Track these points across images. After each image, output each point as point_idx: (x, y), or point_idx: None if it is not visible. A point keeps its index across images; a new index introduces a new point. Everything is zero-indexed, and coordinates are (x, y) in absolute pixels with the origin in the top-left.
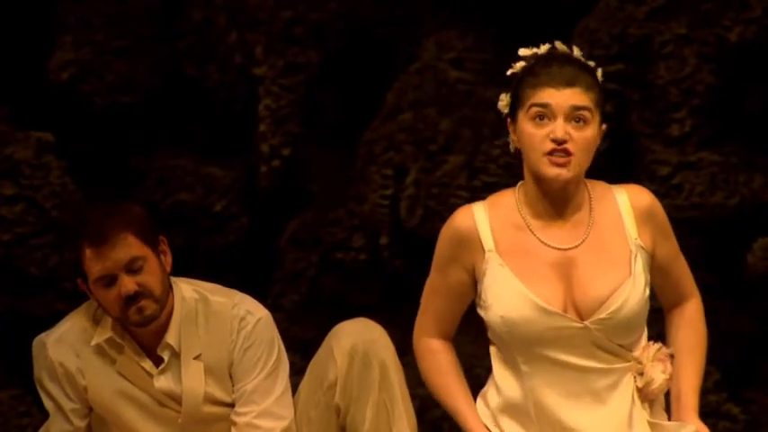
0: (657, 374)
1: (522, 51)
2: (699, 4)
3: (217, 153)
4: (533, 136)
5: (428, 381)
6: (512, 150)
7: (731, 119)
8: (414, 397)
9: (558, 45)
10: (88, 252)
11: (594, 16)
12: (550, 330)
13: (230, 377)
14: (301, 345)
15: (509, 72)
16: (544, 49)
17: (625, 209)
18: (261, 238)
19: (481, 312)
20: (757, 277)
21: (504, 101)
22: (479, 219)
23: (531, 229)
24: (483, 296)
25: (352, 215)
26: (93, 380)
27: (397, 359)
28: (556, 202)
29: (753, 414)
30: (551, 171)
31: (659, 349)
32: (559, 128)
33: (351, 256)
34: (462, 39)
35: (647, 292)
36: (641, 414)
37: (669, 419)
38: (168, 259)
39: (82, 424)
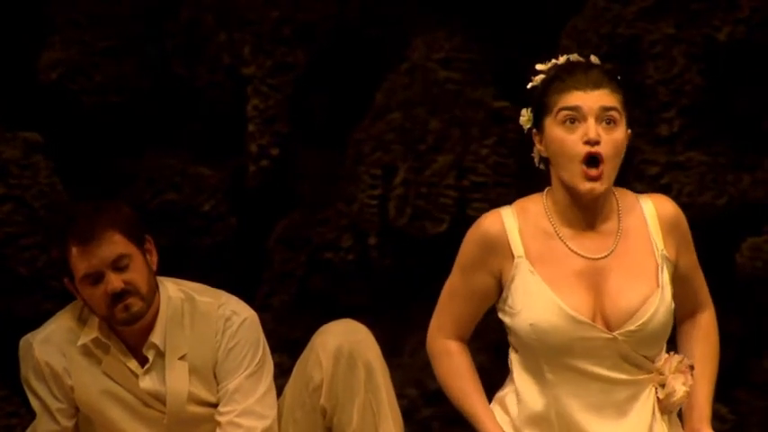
0: (679, 386)
1: (540, 66)
2: (687, 3)
3: (205, 153)
4: (565, 141)
5: (445, 383)
6: (537, 164)
7: (720, 119)
8: (402, 397)
9: (574, 57)
10: (74, 250)
11: (583, 16)
12: (579, 340)
13: (215, 377)
14: (290, 345)
15: (529, 86)
16: (562, 60)
17: (651, 219)
18: (249, 239)
19: (506, 318)
20: (746, 277)
21: (525, 116)
22: (509, 224)
23: (560, 237)
24: (510, 302)
25: (340, 215)
26: (79, 380)
27: (382, 360)
28: (586, 212)
29: (742, 414)
30: (585, 186)
31: (681, 361)
32: (592, 128)
33: (339, 256)
34: (451, 39)
35: (673, 304)
36: (661, 427)
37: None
38: (154, 258)
39: (69, 424)
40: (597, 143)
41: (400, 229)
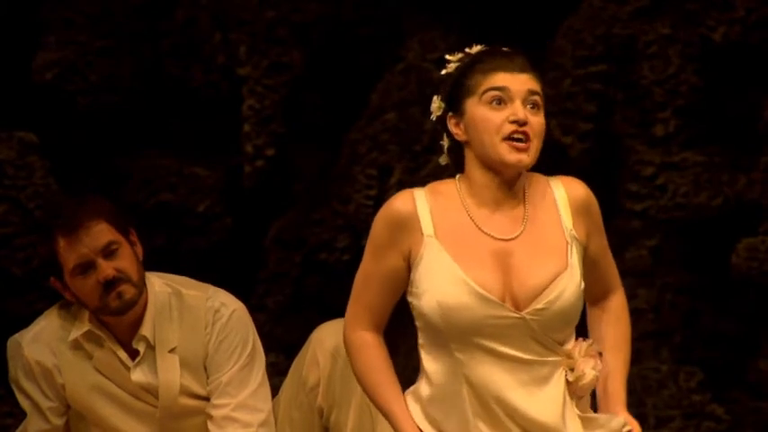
0: (588, 370)
1: (450, 56)
2: (682, 4)
3: (201, 153)
4: (490, 120)
5: (361, 377)
6: (445, 149)
7: (715, 119)
8: None
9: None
10: (62, 242)
11: (578, 17)
12: (487, 319)
13: (205, 370)
14: (285, 345)
15: (443, 72)
16: (476, 48)
17: (561, 200)
18: (245, 239)
19: (413, 300)
20: (741, 278)
21: (436, 103)
22: (420, 203)
23: (471, 218)
24: (417, 282)
25: (336, 215)
26: (70, 377)
27: None
28: (500, 192)
29: (736, 414)
30: (512, 157)
31: (590, 345)
32: (519, 109)
33: (335, 256)
34: (446, 39)
35: (583, 284)
36: (572, 407)
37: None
38: (139, 250)
39: (60, 422)
40: (525, 123)
41: None
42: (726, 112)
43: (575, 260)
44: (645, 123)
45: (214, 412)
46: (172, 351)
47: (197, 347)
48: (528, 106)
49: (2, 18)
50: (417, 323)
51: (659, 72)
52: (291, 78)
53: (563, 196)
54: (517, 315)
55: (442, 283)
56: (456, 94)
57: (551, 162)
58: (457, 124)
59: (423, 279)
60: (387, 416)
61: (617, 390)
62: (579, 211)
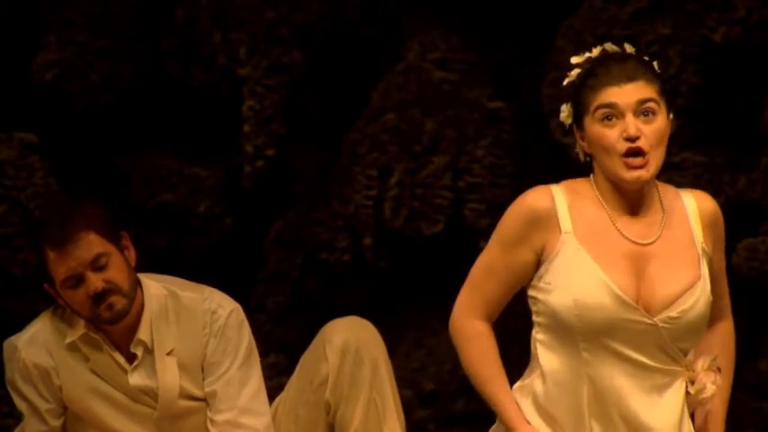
0: (709, 384)
1: (574, 59)
2: (683, 4)
3: (201, 153)
4: (604, 137)
5: (471, 367)
6: (582, 159)
7: (716, 119)
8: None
9: (609, 46)
10: (51, 255)
11: (579, 17)
12: (622, 322)
13: (202, 371)
14: (285, 345)
15: (565, 82)
16: (596, 51)
17: (692, 212)
18: (245, 239)
19: (539, 295)
20: (742, 278)
21: (565, 111)
22: (558, 199)
23: (611, 219)
24: (547, 278)
25: (336, 216)
26: (67, 378)
27: (387, 358)
28: (631, 200)
29: (737, 415)
30: (630, 175)
31: (713, 359)
32: (631, 125)
33: (335, 256)
34: (447, 39)
35: (711, 297)
36: (689, 420)
37: None
38: (132, 254)
39: (57, 423)
40: (637, 138)
41: (396, 230)
42: (726, 113)
43: (706, 272)
44: None
45: (217, 417)
46: (170, 353)
47: (194, 349)
48: (641, 116)
49: (2, 18)
50: (539, 318)
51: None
52: (291, 79)
53: (694, 209)
54: (650, 321)
55: (580, 281)
56: (576, 111)
57: (552, 163)
58: (582, 138)
59: (557, 275)
60: (497, 408)
61: (717, 414)
62: (709, 225)
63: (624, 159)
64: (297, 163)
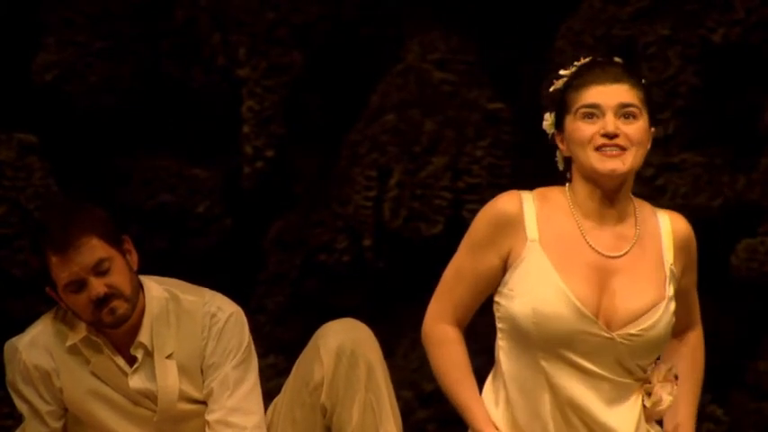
0: (665, 395)
1: (563, 71)
2: (682, 5)
3: (200, 154)
4: (581, 131)
5: (439, 371)
6: (560, 167)
7: (715, 120)
8: (397, 399)
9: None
10: (54, 259)
11: (578, 18)
12: (578, 333)
13: (202, 374)
14: (285, 346)
15: (551, 89)
16: (584, 60)
17: (666, 233)
18: (244, 240)
19: (502, 301)
20: (741, 279)
21: (548, 120)
22: (527, 206)
23: (579, 228)
24: (511, 284)
25: (335, 217)
26: (67, 381)
27: (383, 360)
28: (604, 206)
29: (736, 416)
30: (605, 165)
31: (669, 370)
32: (610, 122)
33: (334, 257)
34: (446, 40)
35: (674, 318)
36: (646, 427)
37: None
38: (134, 258)
39: (58, 425)
40: (615, 136)
41: (395, 231)
42: (726, 113)
43: (671, 293)
44: None
45: (209, 416)
46: (169, 357)
47: (194, 352)
48: (621, 117)
49: (2, 19)
50: (501, 325)
51: (659, 73)
52: (291, 79)
53: (668, 230)
54: (608, 335)
55: (540, 290)
56: (558, 112)
57: (551, 164)
58: (562, 140)
59: (519, 282)
60: (464, 412)
61: (685, 423)
62: (681, 247)
63: (599, 151)
64: (296, 164)
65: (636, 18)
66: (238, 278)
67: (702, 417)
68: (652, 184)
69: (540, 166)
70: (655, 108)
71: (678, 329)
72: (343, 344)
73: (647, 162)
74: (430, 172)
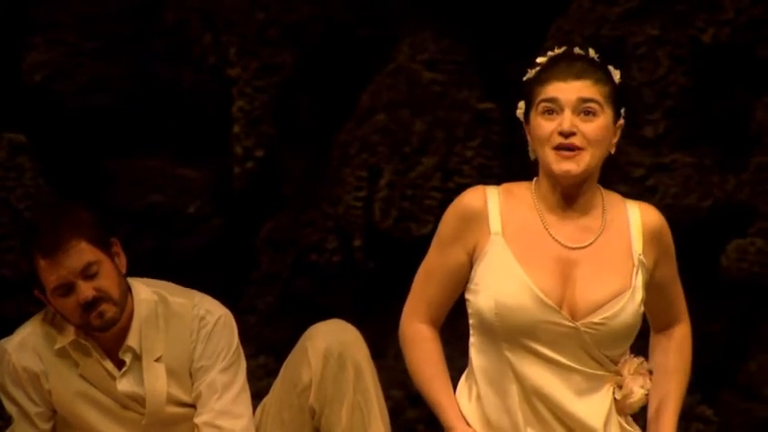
0: (637, 388)
1: (539, 59)
2: (672, 5)
3: (190, 155)
4: (540, 128)
5: (413, 368)
6: (532, 158)
7: (705, 120)
8: (387, 399)
9: (576, 50)
10: (42, 263)
11: (568, 18)
12: (542, 323)
13: (191, 377)
14: (275, 346)
15: (524, 78)
16: (558, 50)
17: (635, 224)
18: (235, 240)
19: (470, 297)
20: (731, 279)
21: (521, 108)
22: (491, 200)
23: (542, 221)
24: (477, 279)
25: (326, 217)
26: (56, 383)
27: (371, 361)
28: (568, 200)
29: (725, 416)
30: (560, 167)
31: (641, 363)
32: (566, 120)
33: (325, 257)
34: (436, 40)
35: (642, 308)
36: (617, 419)
37: None
38: (122, 261)
39: (47, 427)
40: (572, 134)
41: (385, 231)
42: (715, 114)
43: (638, 283)
44: (634, 125)
45: (197, 419)
46: (158, 360)
47: (183, 355)
48: (581, 114)
49: None
50: (472, 321)
51: (649, 73)
52: (281, 80)
53: (637, 221)
54: (572, 324)
55: (502, 282)
56: (526, 105)
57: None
58: (529, 133)
59: (483, 276)
60: (436, 409)
61: (668, 417)
62: (651, 238)
63: (556, 151)
64: (287, 164)
65: (625, 18)
66: (229, 279)
67: (692, 417)
68: (642, 184)
69: (530, 165)
70: (620, 103)
71: (662, 324)
72: (331, 346)
73: (636, 162)
74: (420, 172)
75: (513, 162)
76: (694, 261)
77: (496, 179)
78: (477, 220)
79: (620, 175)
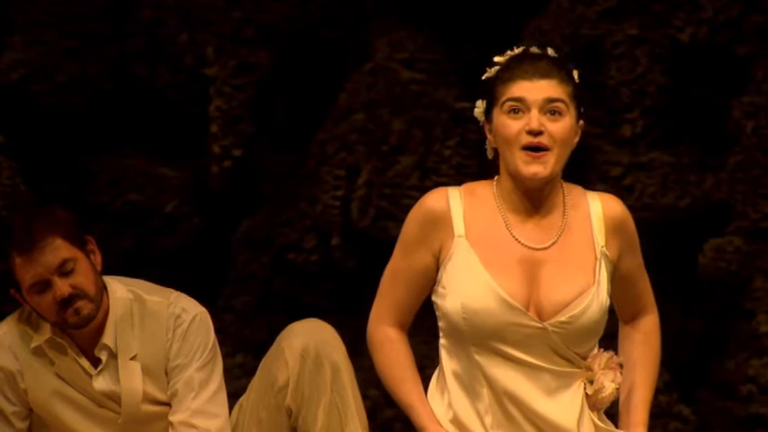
0: (608, 383)
1: (497, 58)
2: (650, 4)
3: (168, 154)
4: (508, 128)
5: (382, 372)
6: (489, 156)
7: (683, 119)
8: (365, 398)
9: (533, 49)
10: (18, 260)
11: (546, 17)
12: (509, 326)
13: (166, 375)
14: (253, 345)
15: (484, 77)
16: (518, 50)
17: (596, 216)
18: (212, 239)
19: (437, 300)
20: (708, 278)
21: (479, 107)
22: (454, 202)
23: (504, 222)
24: (443, 282)
25: (303, 216)
26: (32, 382)
27: (348, 360)
28: (531, 200)
29: (703, 415)
30: (528, 169)
31: (611, 357)
32: (534, 119)
33: (303, 257)
34: (414, 39)
35: (608, 301)
36: (590, 416)
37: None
38: (98, 258)
39: (23, 426)
40: (540, 133)
41: (363, 230)
42: (693, 113)
43: (602, 277)
44: (612, 124)
45: (172, 418)
46: (133, 358)
47: (158, 354)
48: (547, 114)
49: None
50: (440, 323)
51: (627, 72)
52: (259, 79)
53: (599, 213)
54: (539, 325)
55: (467, 286)
56: (488, 103)
57: None
58: (490, 131)
59: (449, 279)
60: (408, 411)
61: (638, 408)
62: (614, 229)
63: (524, 152)
64: (264, 163)
65: (604, 17)
66: (206, 277)
67: (670, 415)
68: (620, 183)
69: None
70: (581, 103)
71: (629, 315)
72: (308, 345)
73: (614, 161)
74: (398, 171)
75: (490, 161)
76: (672, 260)
77: (474, 178)
78: (440, 222)
79: (597, 174)
